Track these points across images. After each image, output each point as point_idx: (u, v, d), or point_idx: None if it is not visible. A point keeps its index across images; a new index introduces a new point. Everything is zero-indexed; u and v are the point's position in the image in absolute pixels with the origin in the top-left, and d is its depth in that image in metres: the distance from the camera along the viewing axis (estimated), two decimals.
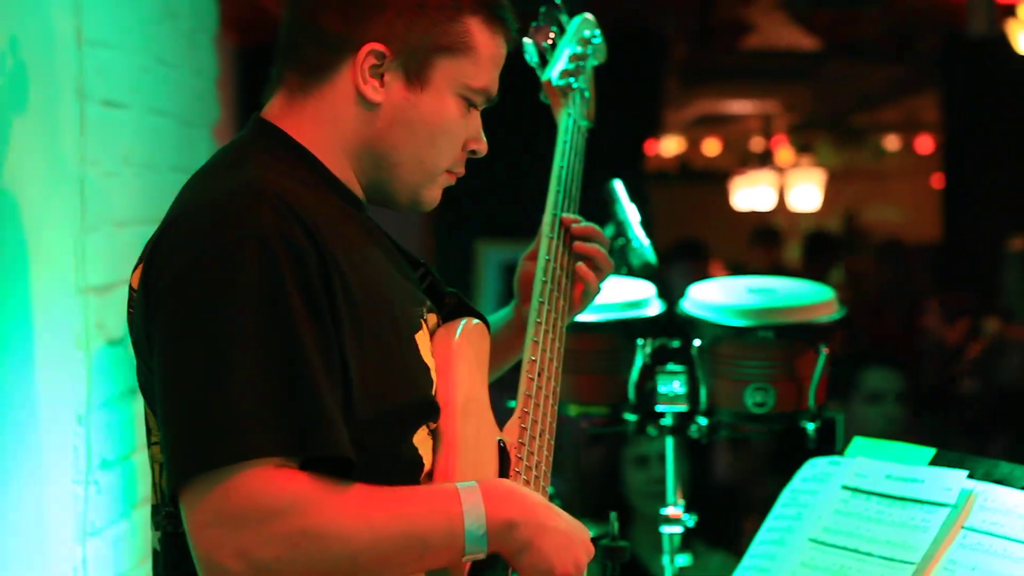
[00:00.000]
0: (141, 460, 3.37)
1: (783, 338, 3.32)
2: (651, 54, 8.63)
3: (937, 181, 12.39)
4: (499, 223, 7.69)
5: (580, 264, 2.62)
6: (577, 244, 2.60)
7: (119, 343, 3.20)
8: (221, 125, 3.92)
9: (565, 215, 2.61)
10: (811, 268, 10.17)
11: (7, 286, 2.62)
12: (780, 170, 13.09)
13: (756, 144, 13.29)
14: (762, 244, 9.99)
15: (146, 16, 3.41)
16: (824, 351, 3.32)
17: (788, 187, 13.06)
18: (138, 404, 3.35)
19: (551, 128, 2.77)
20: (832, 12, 7.79)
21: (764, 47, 9.45)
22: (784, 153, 13.12)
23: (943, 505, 2.61)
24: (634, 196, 3.30)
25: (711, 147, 13.76)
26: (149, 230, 3.06)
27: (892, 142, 14.61)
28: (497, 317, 2.68)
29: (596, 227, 2.66)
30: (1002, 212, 9.83)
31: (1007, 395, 7.29)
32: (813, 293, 3.46)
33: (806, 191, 13.07)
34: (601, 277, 2.66)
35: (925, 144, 13.68)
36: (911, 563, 2.56)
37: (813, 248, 10.81)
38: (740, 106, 12.94)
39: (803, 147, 13.42)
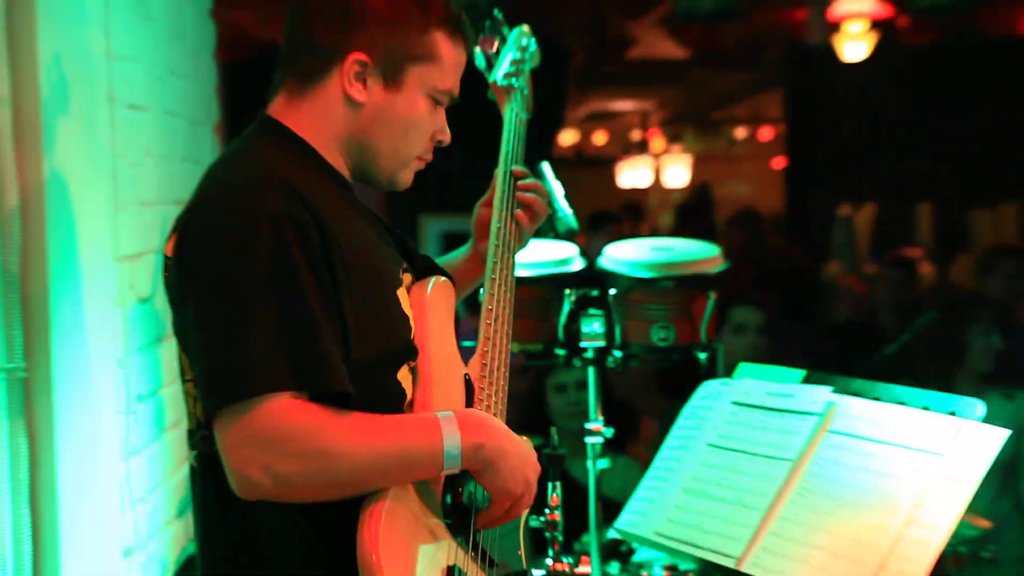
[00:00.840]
0: (168, 394, 3.44)
1: (681, 286, 3.41)
2: (557, 63, 8.61)
3: (778, 163, 12.54)
4: (439, 200, 7.71)
5: (519, 211, 2.68)
6: (520, 195, 2.66)
7: (147, 301, 3.26)
8: (219, 123, 3.99)
9: (515, 168, 2.66)
10: (682, 232, 10.31)
11: (60, 255, 2.66)
12: (655, 156, 13.15)
13: (635, 135, 13.33)
14: (630, 216, 10.01)
15: (160, 36, 3.48)
16: (713, 296, 3.42)
17: (662, 169, 13.18)
18: (163, 350, 3.43)
19: (493, 121, 2.83)
20: (699, 27, 7.83)
21: (645, 56, 9.51)
22: (658, 142, 13.20)
23: (812, 414, 2.71)
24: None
25: (599, 138, 13.79)
26: (167, 208, 3.16)
27: (741, 132, 14.73)
28: (458, 252, 2.75)
29: (537, 182, 2.73)
30: (832, 186, 10.25)
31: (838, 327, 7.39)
32: (704, 250, 3.56)
33: (676, 172, 13.19)
34: (536, 223, 2.71)
35: (767, 134, 13.86)
36: (788, 460, 2.65)
37: (684, 215, 10.88)
38: (623, 104, 13.02)
39: (673, 137, 13.49)
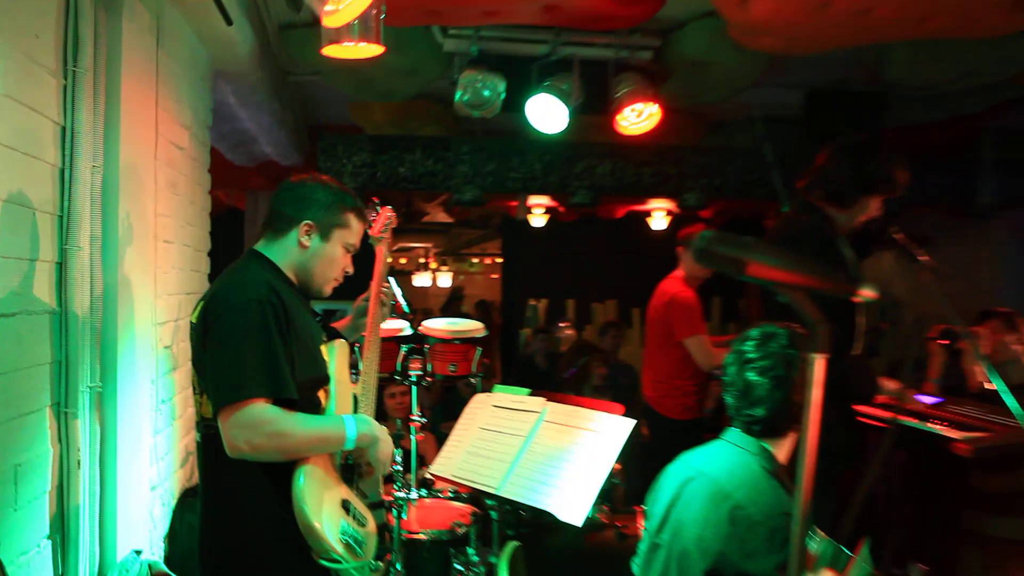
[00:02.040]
0: (178, 400, 3.26)
1: (464, 342, 3.36)
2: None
3: (496, 276, 12.61)
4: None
5: (384, 306, 2.52)
6: (383, 296, 2.50)
7: (168, 348, 3.10)
8: (210, 250, 3.82)
9: (382, 289, 2.52)
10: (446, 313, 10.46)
11: (125, 323, 2.55)
12: (432, 271, 13.17)
13: (422, 260, 13.38)
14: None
15: (182, 203, 3.33)
16: (480, 348, 3.39)
17: (437, 278, 13.17)
18: (176, 375, 3.27)
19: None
20: (460, 209, 7.87)
21: (431, 221, 9.51)
22: (433, 264, 13.24)
23: (536, 411, 2.68)
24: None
25: (402, 261, 13.76)
26: (180, 297, 3.00)
27: (476, 260, 14.87)
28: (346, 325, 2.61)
29: (391, 289, 2.63)
30: (525, 290, 9.85)
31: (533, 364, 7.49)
32: (474, 324, 3.45)
33: (444, 279, 13.22)
34: (386, 314, 2.56)
35: (491, 261, 14.00)
36: (522, 436, 2.62)
37: (448, 303, 10.91)
38: (418, 243, 13.02)
39: (442, 262, 13.54)
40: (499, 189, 6.11)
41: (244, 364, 1.88)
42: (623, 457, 2.53)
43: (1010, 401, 2.77)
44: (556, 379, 5.86)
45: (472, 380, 3.38)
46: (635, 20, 3.90)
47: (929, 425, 2.96)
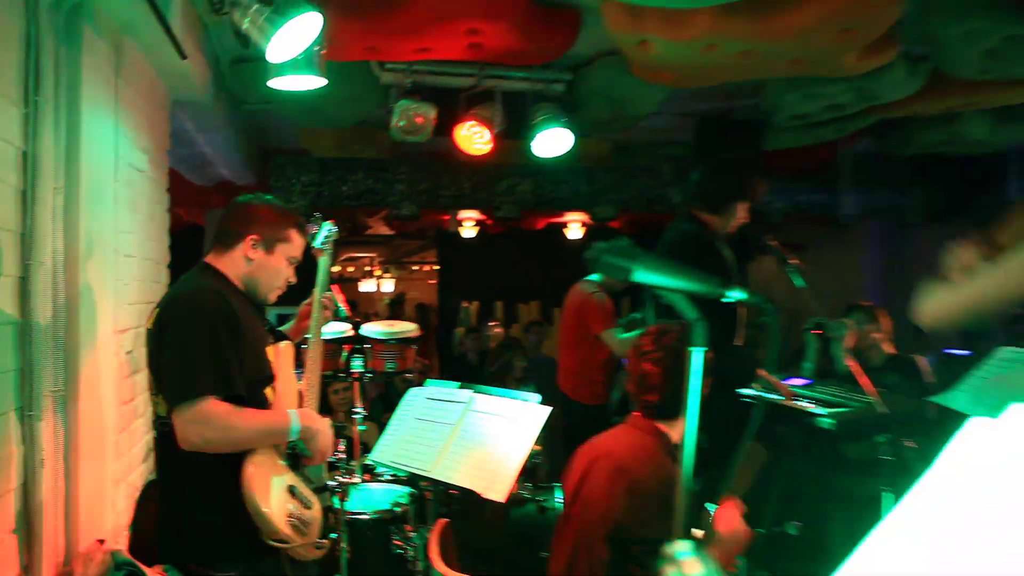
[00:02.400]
0: (138, 402, 3.15)
1: (400, 342, 3.31)
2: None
3: (434, 282, 12.51)
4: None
5: (326, 311, 2.52)
6: (325, 302, 2.49)
7: (130, 353, 3.00)
8: (170, 262, 3.70)
9: (326, 292, 2.53)
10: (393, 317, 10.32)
11: (88, 332, 2.46)
12: (377, 278, 13.00)
13: (368, 267, 13.22)
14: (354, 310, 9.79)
15: (142, 221, 3.21)
16: (415, 347, 3.35)
17: (381, 284, 12.99)
18: (138, 379, 3.16)
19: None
20: (399, 223, 7.80)
21: (373, 234, 9.41)
22: (379, 271, 13.07)
23: (462, 402, 2.67)
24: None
25: (350, 269, 13.54)
26: (140, 307, 2.90)
27: (416, 270, 14.74)
28: (289, 324, 2.57)
29: (332, 296, 2.59)
30: (458, 292, 9.80)
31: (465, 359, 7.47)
32: (410, 327, 3.41)
33: (387, 285, 13.05)
34: (329, 318, 2.58)
35: (429, 268, 13.89)
36: (451, 423, 2.61)
37: (392, 307, 10.78)
38: (363, 253, 12.83)
39: (386, 269, 13.39)
40: (433, 205, 6.10)
41: (196, 365, 1.85)
42: (544, 439, 2.56)
43: (862, 382, 2.90)
44: (485, 372, 5.89)
45: (408, 376, 3.36)
46: (548, 57, 3.94)
47: (798, 403, 3.05)
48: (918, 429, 2.89)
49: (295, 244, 2.21)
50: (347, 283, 13.94)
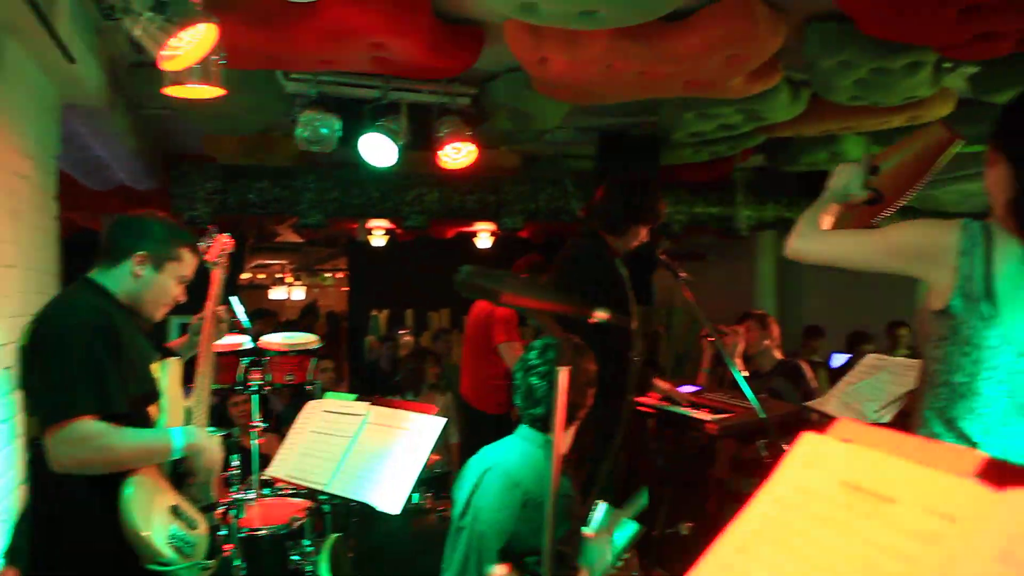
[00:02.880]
0: (17, 421, 2.98)
1: (299, 353, 3.26)
2: (237, 247, 8.31)
3: (345, 290, 12.35)
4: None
5: (221, 324, 2.47)
6: (219, 315, 2.43)
7: (9, 369, 2.84)
8: (59, 273, 3.51)
9: (218, 309, 2.43)
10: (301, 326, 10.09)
11: None
12: (288, 285, 12.71)
13: (277, 274, 12.89)
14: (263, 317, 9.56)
15: (28, 229, 3.06)
16: (315, 358, 3.30)
17: (291, 292, 12.69)
18: (18, 397, 2.97)
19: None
20: (310, 231, 7.62)
21: (285, 240, 9.21)
22: (289, 279, 12.82)
23: (360, 415, 2.65)
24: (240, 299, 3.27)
25: (261, 276, 13.18)
26: (27, 319, 2.78)
27: (329, 277, 14.49)
28: (177, 340, 2.48)
29: (228, 308, 2.55)
30: (368, 299, 9.69)
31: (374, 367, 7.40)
32: (308, 338, 3.39)
33: (298, 294, 12.77)
34: (223, 332, 2.49)
35: (340, 275, 13.67)
36: (348, 437, 2.59)
37: (303, 315, 10.53)
38: (274, 260, 12.52)
39: (297, 277, 13.11)
40: (341, 214, 6.00)
41: (70, 383, 1.77)
42: (444, 448, 2.54)
43: (746, 388, 3.01)
44: (394, 381, 5.84)
45: (310, 387, 3.30)
46: (452, 72, 3.95)
47: (688, 411, 3.16)
48: (796, 433, 3.07)
49: (186, 263, 2.14)
50: (257, 290, 13.60)
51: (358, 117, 4.33)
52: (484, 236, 8.10)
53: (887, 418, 2.77)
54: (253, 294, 13.13)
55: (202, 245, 2.53)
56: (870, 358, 3.12)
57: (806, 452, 0.96)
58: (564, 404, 1.26)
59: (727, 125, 4.90)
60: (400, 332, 8.53)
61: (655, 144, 5.44)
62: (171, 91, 2.99)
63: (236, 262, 2.97)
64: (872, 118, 4.68)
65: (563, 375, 1.22)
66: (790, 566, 0.82)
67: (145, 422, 1.96)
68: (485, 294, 1.19)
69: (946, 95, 4.50)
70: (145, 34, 2.35)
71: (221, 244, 2.62)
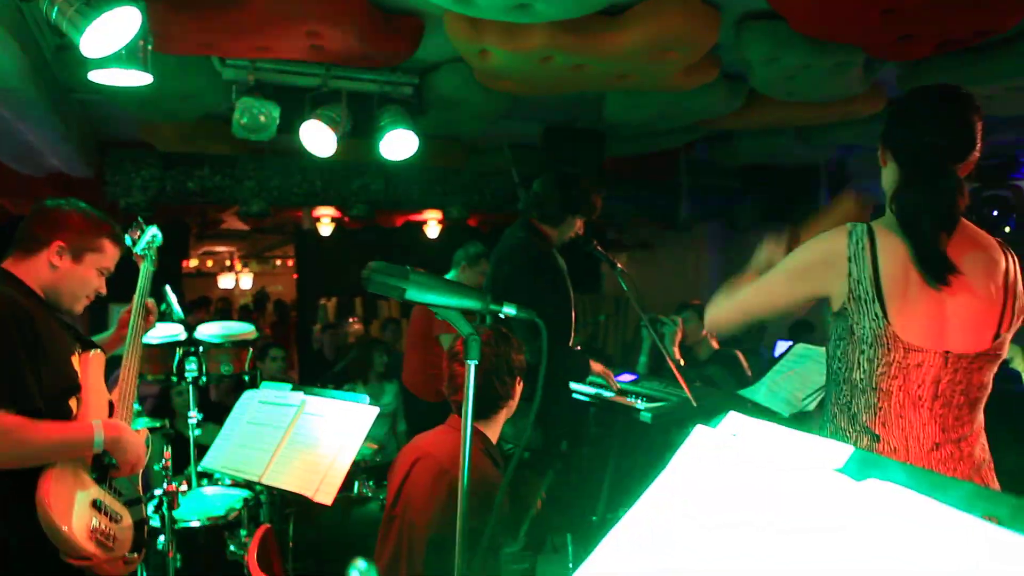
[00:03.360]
0: None
1: (235, 344, 3.22)
2: (180, 235, 8.08)
3: (293, 277, 12.19)
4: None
5: (150, 316, 2.44)
6: (148, 309, 2.40)
7: None
8: None
9: (147, 301, 2.42)
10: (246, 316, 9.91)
11: None
12: (236, 272, 12.49)
13: (226, 261, 12.65)
14: (202, 306, 9.34)
15: None
16: (252, 349, 3.26)
17: (240, 280, 12.47)
18: None
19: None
20: (256, 220, 7.43)
21: (228, 227, 9.03)
22: (238, 266, 12.58)
23: (294, 405, 2.63)
24: (175, 289, 3.21)
25: (209, 263, 12.92)
26: None
27: (279, 262, 14.25)
28: (107, 334, 2.41)
29: (153, 303, 2.48)
30: (316, 288, 9.51)
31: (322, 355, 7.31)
32: (245, 327, 3.35)
33: (246, 281, 12.55)
34: (152, 324, 2.44)
35: (288, 263, 13.48)
36: (282, 428, 2.58)
37: (255, 301, 10.35)
38: (221, 248, 12.28)
39: (245, 263, 12.88)
40: (284, 203, 5.91)
41: None
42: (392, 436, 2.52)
43: (681, 377, 3.09)
44: (335, 371, 5.80)
45: (246, 376, 3.27)
46: (392, 61, 3.93)
47: (621, 399, 3.23)
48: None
49: (107, 254, 2.09)
50: (205, 278, 13.31)
51: (298, 105, 4.27)
52: (433, 224, 8.09)
53: (812, 407, 2.87)
54: (201, 281, 12.85)
55: (128, 236, 2.48)
56: (799, 347, 3.23)
57: (696, 444, 1.01)
58: (472, 396, 1.29)
59: (668, 118, 4.98)
60: (349, 320, 8.46)
61: (600, 136, 5.49)
62: (95, 76, 2.90)
63: (178, 250, 2.91)
64: (808, 112, 4.81)
65: (471, 368, 1.25)
66: (674, 552, 0.86)
67: (67, 415, 1.92)
68: (389, 290, 1.20)
69: (877, 93, 4.66)
70: (62, 17, 2.27)
71: (149, 236, 2.56)
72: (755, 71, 4.03)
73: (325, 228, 7.99)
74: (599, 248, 3.20)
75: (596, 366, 3.29)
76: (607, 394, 3.24)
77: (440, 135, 5.46)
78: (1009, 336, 1.64)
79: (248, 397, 2.88)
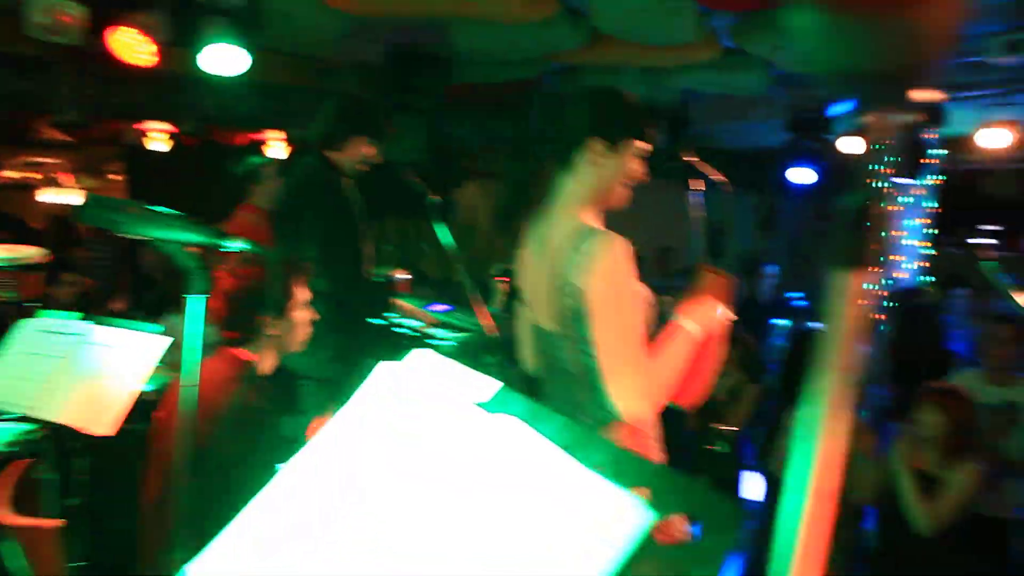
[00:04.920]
0: None
1: (22, 268, 2.96)
2: None
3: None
4: None
5: None
6: None
7: None
8: None
9: None
10: None
11: None
12: (61, 187, 11.07)
13: (53, 175, 11.28)
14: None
15: None
16: (38, 274, 3.04)
17: (68, 196, 10.94)
18: None
19: None
20: (77, 132, 6.72)
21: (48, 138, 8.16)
22: (68, 181, 11.05)
23: (80, 333, 2.37)
24: None
25: (36, 177, 11.38)
26: None
27: (117, 180, 13.07)
28: None
29: None
30: (153, 202, 8.74)
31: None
32: (33, 252, 3.08)
33: (75, 198, 11.29)
34: None
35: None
36: (60, 357, 2.35)
37: None
38: (47, 157, 10.56)
39: (78, 179, 11.48)
40: (104, 113, 5.48)
41: None
42: None
43: (489, 308, 3.15)
44: (171, 291, 5.52)
45: (30, 305, 3.05)
46: None
47: (430, 329, 3.26)
48: None
49: None
50: (24, 191, 12.16)
51: (107, 5, 3.93)
52: (278, 145, 7.71)
53: None
54: (18, 195, 11.68)
55: None
56: None
57: (380, 375, 1.06)
58: (200, 332, 1.28)
59: (514, 49, 4.98)
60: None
61: (446, 62, 5.41)
62: None
63: None
64: (648, 54, 4.93)
65: (196, 306, 1.24)
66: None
67: None
68: (107, 224, 1.16)
69: (712, 41, 4.84)
70: None
71: None
72: (593, 7, 4.08)
73: (157, 144, 7.41)
74: (418, 180, 3.14)
75: (400, 302, 3.26)
76: (418, 324, 3.26)
77: (277, 52, 5.20)
78: None
79: (25, 326, 2.61)
